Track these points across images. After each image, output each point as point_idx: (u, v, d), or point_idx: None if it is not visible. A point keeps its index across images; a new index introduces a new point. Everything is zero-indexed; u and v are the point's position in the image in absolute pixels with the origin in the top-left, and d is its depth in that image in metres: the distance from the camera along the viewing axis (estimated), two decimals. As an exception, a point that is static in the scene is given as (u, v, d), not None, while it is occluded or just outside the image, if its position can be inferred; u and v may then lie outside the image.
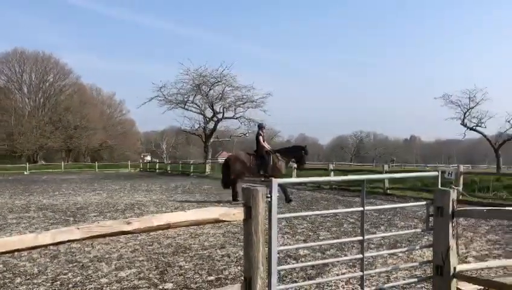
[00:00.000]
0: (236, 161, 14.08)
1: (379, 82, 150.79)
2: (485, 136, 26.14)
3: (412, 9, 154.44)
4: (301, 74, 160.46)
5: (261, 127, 14.52)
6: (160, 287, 4.99)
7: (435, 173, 4.49)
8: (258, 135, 14.22)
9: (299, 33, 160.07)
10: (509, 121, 25.11)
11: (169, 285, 5.06)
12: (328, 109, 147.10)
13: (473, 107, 25.84)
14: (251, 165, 13.71)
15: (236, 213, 3.21)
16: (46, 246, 2.68)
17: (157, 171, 39.50)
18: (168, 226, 2.94)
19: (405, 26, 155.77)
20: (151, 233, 7.86)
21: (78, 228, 2.66)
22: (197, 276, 5.43)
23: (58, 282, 5.21)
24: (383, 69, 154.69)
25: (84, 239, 2.70)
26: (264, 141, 14.11)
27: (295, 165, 25.16)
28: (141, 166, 47.45)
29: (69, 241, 2.68)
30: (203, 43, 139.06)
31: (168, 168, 37.86)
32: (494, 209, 4.55)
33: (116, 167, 49.53)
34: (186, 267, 5.86)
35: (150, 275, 5.46)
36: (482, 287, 4.53)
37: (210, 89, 35.42)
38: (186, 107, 36.26)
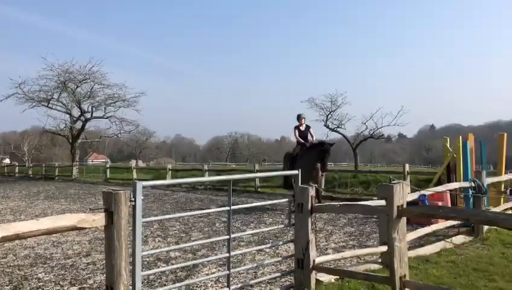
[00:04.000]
0: (285, 158, 12.58)
1: (252, 85, 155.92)
2: (344, 136, 28.59)
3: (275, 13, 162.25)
4: (180, 75, 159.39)
5: (298, 118, 12.03)
6: (14, 303, 4.55)
7: (295, 172, 4.77)
8: (294, 128, 12.07)
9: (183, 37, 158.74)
10: (364, 123, 27.80)
11: (25, 300, 4.64)
12: (204, 110, 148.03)
13: (334, 110, 28.07)
14: (289, 162, 12.00)
15: (96, 219, 3.05)
16: None
17: (16, 175, 35.88)
18: (16, 237, 2.68)
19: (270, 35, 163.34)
20: (6, 244, 7.14)
21: None
22: (58, 287, 5.05)
23: None
24: (257, 72, 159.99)
25: None
26: (299, 136, 11.90)
27: (169, 166, 24.93)
28: (-3, 170, 42.85)
29: None
30: (72, 40, 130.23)
31: (30, 172, 34.64)
32: (345, 204, 5.01)
33: (-34, 172, 43.88)
34: (45, 279, 5.41)
35: (2, 292, 4.94)
36: (338, 277, 4.96)
37: (77, 87, 33.04)
38: (50, 105, 33.30)
